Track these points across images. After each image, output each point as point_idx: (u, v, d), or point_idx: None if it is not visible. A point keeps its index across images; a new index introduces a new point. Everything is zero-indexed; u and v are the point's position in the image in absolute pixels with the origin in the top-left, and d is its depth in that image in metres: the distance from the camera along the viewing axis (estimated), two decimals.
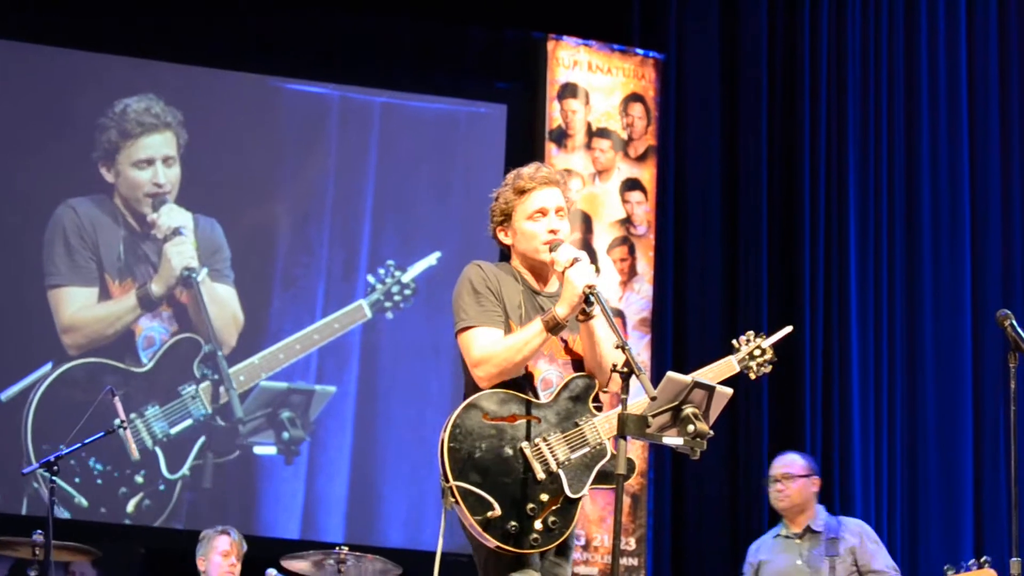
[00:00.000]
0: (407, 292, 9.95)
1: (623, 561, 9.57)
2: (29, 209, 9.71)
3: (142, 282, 9.73)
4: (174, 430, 9.51)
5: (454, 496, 4.55)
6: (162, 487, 9.49)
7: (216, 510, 9.60)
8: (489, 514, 4.55)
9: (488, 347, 4.73)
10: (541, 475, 4.63)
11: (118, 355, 9.64)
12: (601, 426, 4.77)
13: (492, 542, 4.58)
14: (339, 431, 9.86)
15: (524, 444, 4.66)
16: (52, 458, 7.28)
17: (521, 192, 4.87)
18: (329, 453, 9.85)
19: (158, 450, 9.46)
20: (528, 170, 4.94)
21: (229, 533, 7.86)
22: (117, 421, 7.46)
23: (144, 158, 9.85)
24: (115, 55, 9.96)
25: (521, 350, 4.69)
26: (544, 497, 4.63)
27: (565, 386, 4.80)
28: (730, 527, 9.94)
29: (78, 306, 9.62)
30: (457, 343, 4.84)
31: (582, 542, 9.55)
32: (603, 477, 4.75)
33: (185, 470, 9.54)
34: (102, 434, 7.93)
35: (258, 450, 9.74)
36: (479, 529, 4.56)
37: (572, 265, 4.68)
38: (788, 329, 5.29)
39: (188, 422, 9.59)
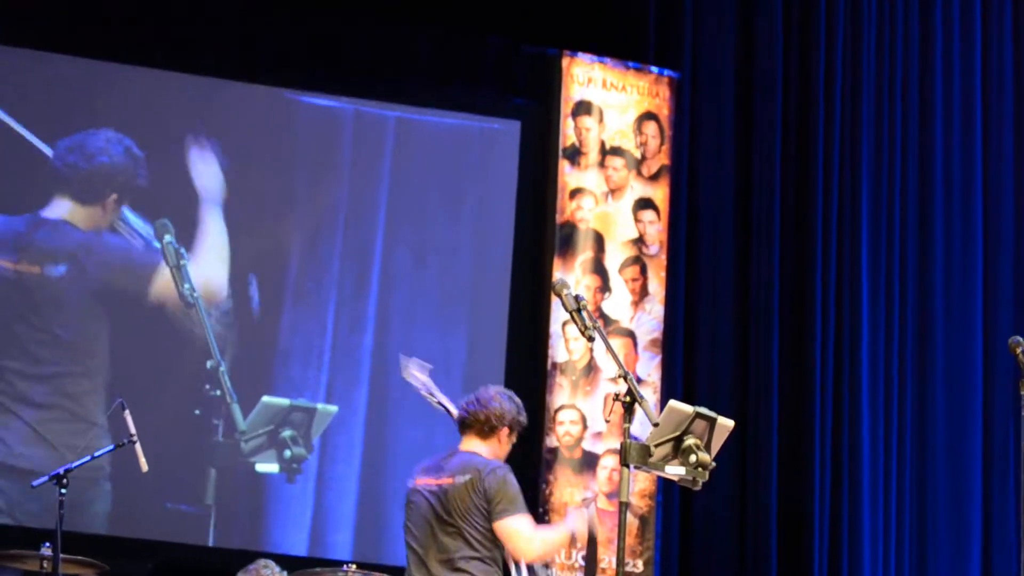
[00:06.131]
0: None
1: None
2: None
3: None
4: None
5: None
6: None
7: (221, 527, 9.61)
8: None
9: (542, 537, 6.19)
10: None
11: None
12: None
13: None
14: (347, 448, 9.86)
15: None
16: (62, 471, 7.26)
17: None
18: (337, 470, 9.84)
19: None
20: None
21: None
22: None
23: None
24: (128, 64, 9.96)
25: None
26: None
27: None
28: (738, 550, 9.93)
29: None
30: (508, 522, 6.08)
31: None
32: None
33: None
34: (111, 447, 7.94)
35: (260, 468, 9.73)
36: None
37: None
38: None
39: None
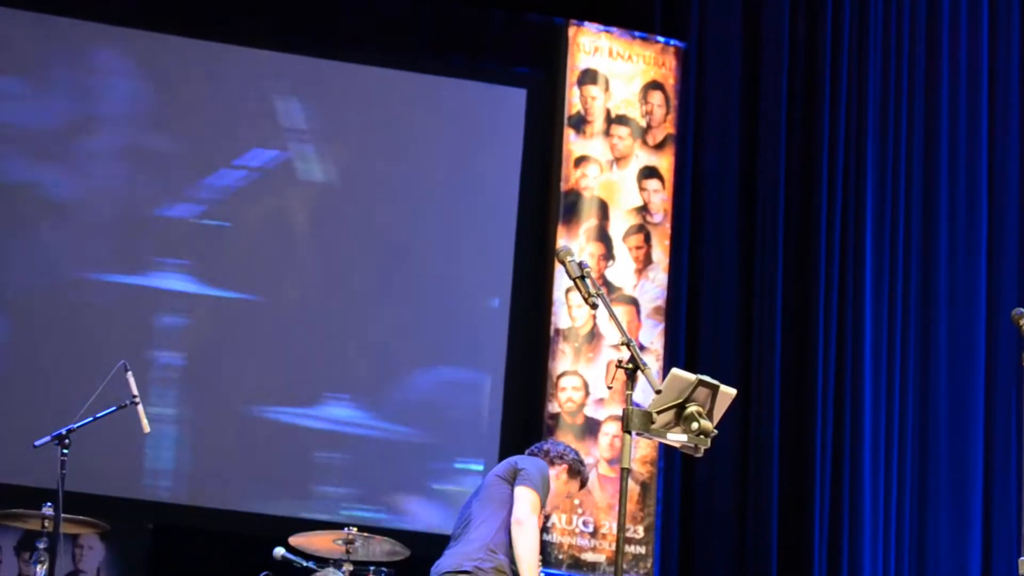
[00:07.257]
0: None
1: (631, 549, 9.60)
2: None
3: None
4: None
5: None
6: None
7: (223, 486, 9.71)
8: None
9: (535, 538, 6.35)
10: None
11: None
12: None
13: None
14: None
15: None
16: (64, 431, 7.27)
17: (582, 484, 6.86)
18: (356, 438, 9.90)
19: None
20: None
21: None
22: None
23: None
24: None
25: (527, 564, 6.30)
26: None
27: None
28: (739, 517, 9.95)
29: None
30: (523, 488, 6.37)
31: (590, 528, 9.58)
32: None
33: None
34: (114, 408, 7.93)
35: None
36: None
37: None
38: None
39: None
